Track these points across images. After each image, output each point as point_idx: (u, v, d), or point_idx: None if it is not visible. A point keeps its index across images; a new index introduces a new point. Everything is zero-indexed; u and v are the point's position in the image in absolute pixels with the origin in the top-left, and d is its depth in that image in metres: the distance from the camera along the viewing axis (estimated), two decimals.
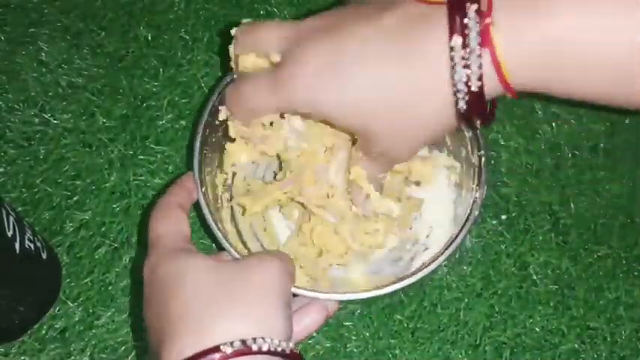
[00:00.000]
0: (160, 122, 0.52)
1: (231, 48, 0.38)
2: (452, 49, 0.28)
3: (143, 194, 0.49)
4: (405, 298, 0.46)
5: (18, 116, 0.52)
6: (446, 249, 0.38)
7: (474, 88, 0.29)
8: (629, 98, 0.29)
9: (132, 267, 0.46)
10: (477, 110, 0.30)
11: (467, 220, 0.39)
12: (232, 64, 0.39)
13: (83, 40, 0.55)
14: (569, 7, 0.27)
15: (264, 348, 0.29)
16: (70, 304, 0.45)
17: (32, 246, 0.40)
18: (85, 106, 0.52)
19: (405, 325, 0.44)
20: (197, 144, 0.41)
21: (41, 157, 0.50)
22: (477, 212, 0.39)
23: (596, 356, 0.44)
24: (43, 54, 0.54)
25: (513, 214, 0.49)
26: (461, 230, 0.38)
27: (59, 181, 0.49)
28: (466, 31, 0.28)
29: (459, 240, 0.38)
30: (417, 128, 0.32)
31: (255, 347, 0.29)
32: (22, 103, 0.52)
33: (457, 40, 0.28)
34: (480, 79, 0.28)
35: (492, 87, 0.29)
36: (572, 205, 0.49)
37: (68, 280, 0.46)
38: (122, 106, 0.52)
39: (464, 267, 0.47)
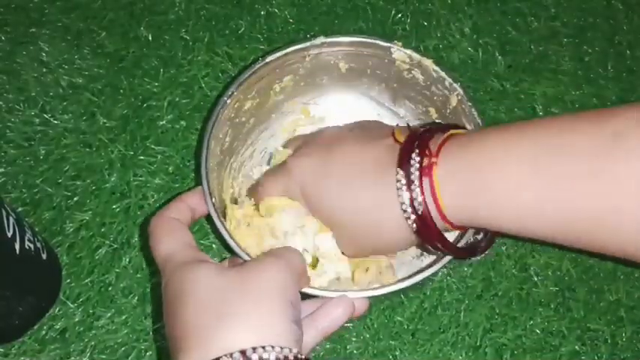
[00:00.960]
0: (161, 123, 0.52)
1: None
2: (397, 179, 0.35)
3: (143, 195, 0.49)
4: (405, 299, 0.45)
5: (18, 116, 0.52)
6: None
7: (418, 212, 0.34)
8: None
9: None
10: (427, 233, 0.35)
11: None
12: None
13: (84, 41, 0.55)
14: (492, 165, 0.33)
15: (265, 356, 0.29)
16: (70, 305, 0.45)
17: (32, 246, 0.40)
18: (86, 107, 0.52)
19: (406, 326, 0.44)
20: (204, 154, 0.41)
21: (41, 157, 0.50)
22: None
23: (596, 358, 0.44)
24: (44, 54, 0.54)
25: None
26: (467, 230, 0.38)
27: (59, 181, 0.49)
28: (410, 165, 0.34)
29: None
30: (375, 243, 0.39)
31: (255, 357, 0.29)
32: (22, 103, 0.52)
33: (400, 172, 0.35)
34: (423, 204, 0.34)
35: (436, 217, 0.34)
36: None
37: (68, 280, 0.45)
38: (122, 106, 0.52)
39: (464, 268, 0.46)
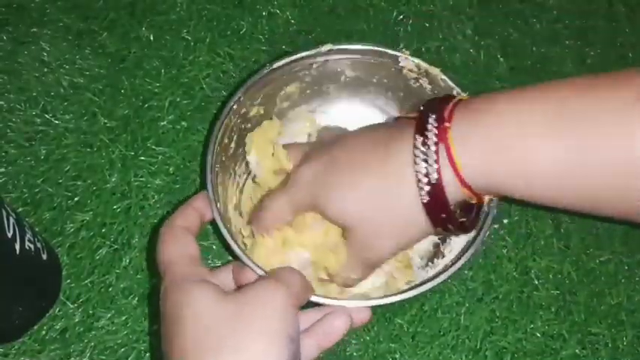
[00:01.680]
0: (162, 123, 0.52)
1: None
2: (414, 146, 0.34)
3: (144, 195, 0.49)
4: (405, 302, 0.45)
5: (19, 116, 0.52)
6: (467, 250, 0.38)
7: (432, 180, 0.33)
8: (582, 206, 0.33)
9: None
10: (439, 206, 0.34)
11: (482, 227, 0.39)
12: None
13: (85, 40, 0.55)
14: (510, 120, 0.32)
15: None
16: (70, 305, 0.45)
17: (32, 247, 0.40)
18: (87, 107, 0.52)
19: (406, 329, 0.44)
20: (209, 160, 0.41)
21: (42, 157, 0.50)
22: (491, 219, 0.39)
23: None
24: (45, 54, 0.54)
25: (515, 218, 0.48)
26: (478, 234, 0.38)
27: (60, 181, 0.49)
28: (426, 132, 0.33)
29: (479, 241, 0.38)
30: (390, 233, 0.37)
31: None
32: (23, 103, 0.52)
33: (418, 138, 0.34)
34: (438, 172, 0.33)
35: (451, 184, 0.33)
36: None
37: (68, 281, 0.45)
38: (123, 106, 0.52)
39: (465, 271, 0.46)
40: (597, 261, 0.47)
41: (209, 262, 0.46)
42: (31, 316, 0.43)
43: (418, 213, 0.35)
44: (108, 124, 0.51)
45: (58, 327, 0.44)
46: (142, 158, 0.50)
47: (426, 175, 0.33)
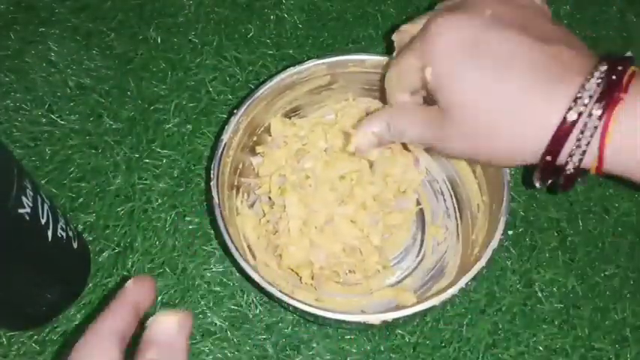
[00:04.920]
0: (167, 126, 0.51)
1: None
2: (580, 91, 0.30)
3: (147, 198, 0.49)
4: None
5: (25, 116, 0.52)
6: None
7: (577, 135, 0.30)
8: None
9: None
10: (556, 151, 0.30)
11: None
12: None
13: (92, 41, 0.55)
14: None
15: None
16: (72, 308, 0.45)
17: (64, 235, 0.41)
18: (93, 108, 0.52)
19: (407, 339, 0.44)
20: (216, 166, 0.41)
21: (47, 157, 0.50)
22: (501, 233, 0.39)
23: None
24: (53, 54, 0.54)
25: (520, 230, 0.48)
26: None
27: (64, 182, 0.49)
28: (601, 82, 0.29)
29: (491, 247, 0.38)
30: (491, 146, 0.33)
31: None
32: (29, 103, 0.52)
33: (591, 86, 0.29)
34: (584, 129, 0.29)
35: (590, 150, 0.30)
36: (580, 223, 0.48)
37: None
38: (129, 108, 0.52)
39: (467, 285, 0.46)
40: (602, 275, 0.47)
41: (211, 267, 0.46)
42: (58, 304, 0.44)
43: (539, 139, 0.31)
44: (113, 126, 0.51)
45: (58, 329, 0.44)
46: (147, 161, 0.50)
47: (574, 124, 0.29)
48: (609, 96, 0.29)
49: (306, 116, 0.48)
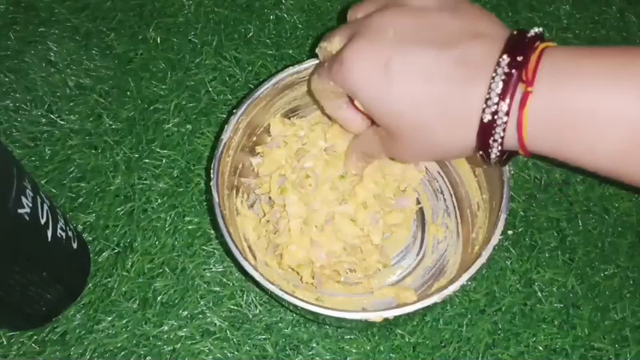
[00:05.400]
0: (167, 126, 0.51)
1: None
2: (497, 70, 0.31)
3: (147, 198, 0.49)
4: None
5: (25, 116, 0.52)
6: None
7: (497, 116, 0.31)
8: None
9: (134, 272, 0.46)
10: (485, 147, 0.32)
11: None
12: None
13: (92, 41, 0.55)
14: (599, 85, 0.30)
15: None
16: (71, 308, 0.45)
17: (64, 235, 0.41)
18: (92, 108, 0.52)
19: (407, 339, 0.44)
20: (216, 166, 0.41)
21: (47, 157, 0.50)
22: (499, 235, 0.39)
23: None
24: (52, 54, 0.54)
25: (520, 230, 0.48)
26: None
27: (64, 182, 0.49)
28: (515, 63, 0.31)
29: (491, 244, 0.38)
30: (431, 140, 0.34)
31: None
32: (29, 103, 0.52)
33: (496, 85, 0.31)
34: (505, 110, 0.31)
35: (510, 132, 0.32)
36: (579, 222, 0.48)
37: None
38: (129, 108, 0.52)
39: (468, 282, 0.46)
40: (602, 275, 0.47)
41: (210, 267, 0.46)
42: (58, 304, 0.44)
43: (468, 134, 0.33)
44: (113, 126, 0.51)
45: (58, 329, 0.44)
46: (147, 161, 0.50)
47: (496, 104, 0.31)
48: (513, 92, 0.30)
49: (306, 116, 0.48)
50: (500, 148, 0.32)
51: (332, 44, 0.39)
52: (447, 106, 0.33)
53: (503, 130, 0.31)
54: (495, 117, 0.31)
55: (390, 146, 0.37)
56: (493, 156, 0.33)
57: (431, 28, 0.34)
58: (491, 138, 0.32)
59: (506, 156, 0.34)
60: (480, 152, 0.33)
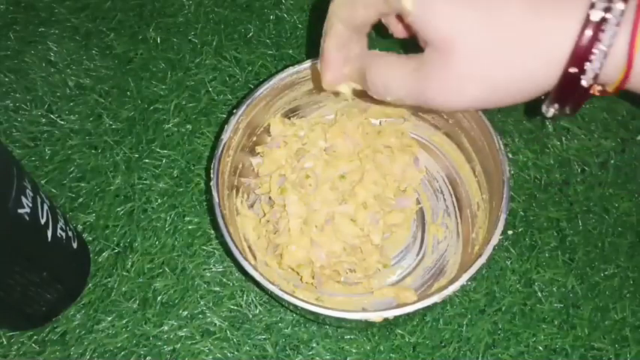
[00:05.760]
0: (167, 126, 0.51)
1: None
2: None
3: (147, 198, 0.49)
4: None
5: (25, 116, 0.52)
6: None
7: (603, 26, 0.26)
8: None
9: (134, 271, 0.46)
10: (581, 62, 0.27)
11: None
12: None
13: (92, 41, 0.55)
14: None
15: None
16: (71, 308, 0.45)
17: (64, 235, 0.41)
18: (92, 108, 0.52)
19: (407, 339, 0.44)
20: (216, 166, 0.41)
21: (47, 157, 0.50)
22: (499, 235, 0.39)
23: None
24: (52, 54, 0.54)
25: (520, 230, 0.48)
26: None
27: (64, 182, 0.49)
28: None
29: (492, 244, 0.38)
30: (509, 67, 0.28)
31: None
32: (29, 103, 0.52)
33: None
34: (609, 30, 0.26)
35: (615, 63, 0.27)
36: (579, 222, 0.48)
37: None
38: (129, 108, 0.52)
39: (468, 282, 0.46)
40: (602, 275, 0.47)
41: (210, 267, 0.46)
42: (58, 304, 0.44)
43: (555, 59, 0.27)
44: (113, 126, 0.51)
45: (58, 329, 0.44)
46: (147, 161, 0.50)
47: (607, 9, 0.26)
48: None
49: (306, 116, 0.48)
50: (599, 69, 0.27)
51: None
52: (531, 21, 0.27)
53: (612, 37, 0.26)
54: (607, 15, 0.26)
55: (432, 75, 0.29)
56: (585, 84, 0.27)
57: None
58: (592, 54, 0.26)
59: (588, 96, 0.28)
60: (570, 75, 0.27)
